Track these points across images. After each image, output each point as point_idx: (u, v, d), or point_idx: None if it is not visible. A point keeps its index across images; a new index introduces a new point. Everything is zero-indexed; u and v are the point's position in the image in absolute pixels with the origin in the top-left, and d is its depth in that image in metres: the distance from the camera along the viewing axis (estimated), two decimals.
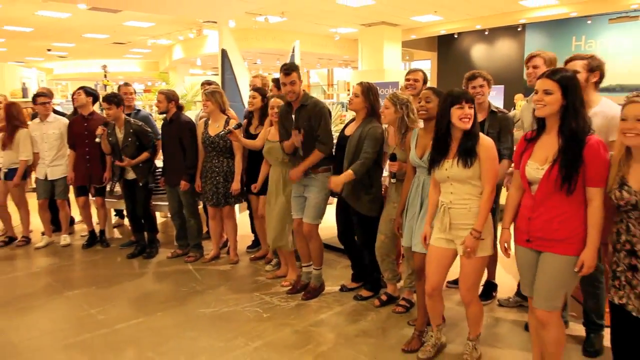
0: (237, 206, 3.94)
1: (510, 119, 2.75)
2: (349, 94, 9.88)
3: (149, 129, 3.80)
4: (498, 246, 2.10)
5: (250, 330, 2.62)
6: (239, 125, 3.39)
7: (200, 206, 3.92)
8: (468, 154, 2.00)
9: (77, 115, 4.06)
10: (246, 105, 4.42)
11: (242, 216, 4.44)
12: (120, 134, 3.70)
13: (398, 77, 3.32)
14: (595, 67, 2.17)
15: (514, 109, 8.29)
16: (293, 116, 2.88)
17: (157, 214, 4.38)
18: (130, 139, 3.68)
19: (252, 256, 3.83)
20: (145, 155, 3.71)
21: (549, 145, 1.80)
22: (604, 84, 2.26)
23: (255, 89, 3.53)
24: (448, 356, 2.30)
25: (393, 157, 2.56)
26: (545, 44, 11.93)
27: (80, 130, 3.96)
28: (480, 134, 2.07)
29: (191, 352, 2.39)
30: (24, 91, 7.66)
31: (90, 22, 10.13)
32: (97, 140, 3.67)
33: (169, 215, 4.01)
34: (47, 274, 3.58)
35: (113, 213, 4.73)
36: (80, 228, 4.63)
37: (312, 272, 3.08)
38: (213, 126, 3.50)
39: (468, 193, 2.03)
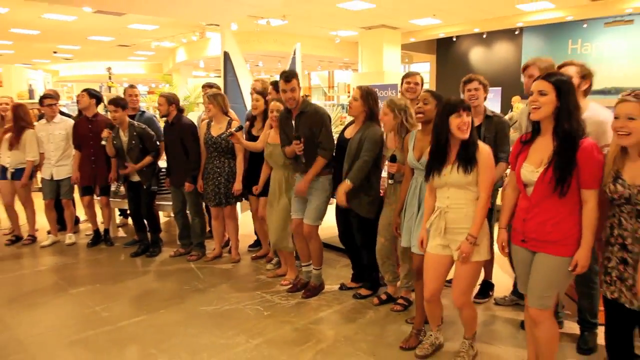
0: (239, 206, 4.00)
1: (506, 123, 2.79)
2: (349, 96, 9.95)
3: (152, 132, 3.85)
4: (495, 246, 2.14)
5: (251, 327, 2.66)
6: (240, 128, 3.45)
7: (204, 205, 3.98)
8: (469, 161, 2.01)
9: (82, 117, 4.13)
10: (248, 107, 4.48)
11: (244, 216, 4.50)
12: (124, 137, 3.76)
13: (397, 79, 3.37)
14: (587, 75, 2.22)
15: (511, 110, 8.34)
16: (293, 122, 2.93)
17: (160, 213, 4.44)
18: (134, 142, 3.74)
19: (254, 255, 3.88)
20: (148, 159, 3.77)
21: (544, 147, 1.82)
22: (600, 86, 2.32)
23: (257, 92, 3.59)
24: (445, 354, 2.33)
25: (393, 159, 2.60)
26: (542, 47, 12.00)
27: (84, 131, 4.03)
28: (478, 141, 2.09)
29: (193, 349, 2.43)
30: (31, 93, 7.77)
31: (96, 25, 10.23)
32: (103, 142, 3.73)
33: (172, 214, 4.06)
34: (52, 272, 3.64)
35: (117, 213, 4.80)
36: (85, 227, 4.69)
37: (312, 271, 3.12)
38: (216, 127, 3.56)
39: (464, 198, 2.05)
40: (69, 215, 4.29)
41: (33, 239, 4.36)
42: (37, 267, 3.77)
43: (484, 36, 12.62)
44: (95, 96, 4.11)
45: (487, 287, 2.99)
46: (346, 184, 2.74)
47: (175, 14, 6.78)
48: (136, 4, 5.93)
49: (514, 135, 2.87)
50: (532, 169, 1.84)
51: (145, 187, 3.82)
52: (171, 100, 3.67)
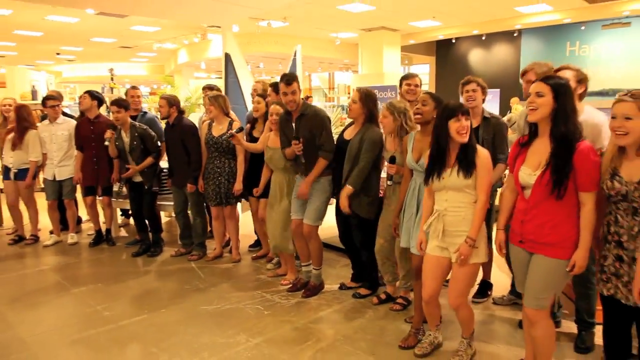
0: (239, 207, 4.02)
1: (503, 124, 2.80)
2: (349, 97, 9.96)
3: (153, 133, 3.88)
4: (494, 246, 2.15)
5: (252, 326, 2.68)
6: (241, 129, 3.48)
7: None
8: (469, 165, 2.03)
9: (84, 118, 4.17)
10: (249, 108, 4.51)
11: (244, 216, 4.52)
12: (126, 138, 3.80)
13: (397, 81, 3.39)
14: (583, 79, 2.24)
15: (510, 112, 8.36)
16: (293, 124, 2.96)
17: (162, 213, 4.47)
18: (135, 143, 3.77)
19: (254, 255, 3.91)
20: (149, 160, 3.79)
21: (541, 150, 1.83)
22: (598, 88, 2.35)
23: (258, 94, 3.62)
24: (444, 353, 2.35)
25: (392, 160, 2.62)
26: (540, 49, 12.04)
27: (87, 132, 4.06)
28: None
29: (193, 348, 2.45)
30: (34, 94, 7.81)
31: (98, 27, 10.28)
32: (106, 143, 3.77)
33: (173, 214, 4.09)
34: (54, 271, 3.67)
35: (119, 213, 4.83)
36: (87, 227, 4.72)
37: (311, 271, 3.14)
38: (217, 128, 3.58)
39: (462, 201, 2.06)
40: (71, 215, 4.32)
41: (36, 238, 4.39)
42: (40, 267, 3.80)
43: (483, 38, 12.67)
44: (97, 98, 4.15)
45: (485, 287, 3.01)
46: (347, 189, 2.77)
47: (177, 16, 6.83)
48: (138, 6, 5.97)
49: (512, 136, 2.89)
50: (530, 171, 1.85)
51: (146, 187, 3.85)
52: (172, 102, 3.70)
